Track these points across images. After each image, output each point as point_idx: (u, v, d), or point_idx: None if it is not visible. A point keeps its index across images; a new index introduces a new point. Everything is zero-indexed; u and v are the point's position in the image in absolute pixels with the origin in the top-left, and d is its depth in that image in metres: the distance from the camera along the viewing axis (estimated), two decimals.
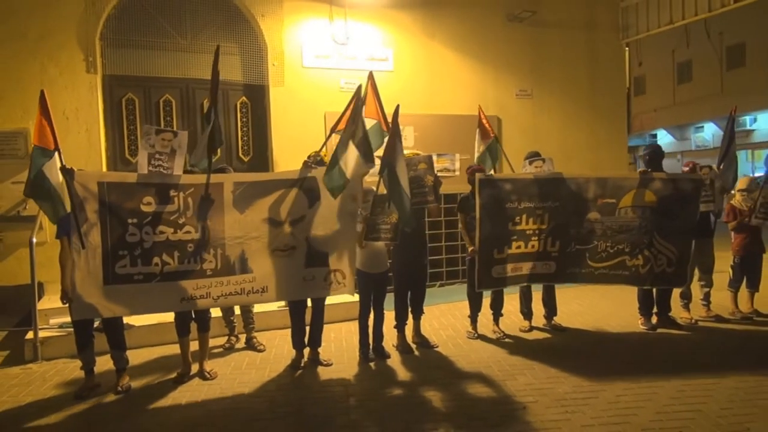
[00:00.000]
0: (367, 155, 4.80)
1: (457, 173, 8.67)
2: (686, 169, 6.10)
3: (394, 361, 5.16)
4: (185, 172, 4.69)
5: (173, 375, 4.84)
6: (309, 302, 5.16)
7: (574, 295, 7.06)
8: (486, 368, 4.88)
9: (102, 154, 6.91)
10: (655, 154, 6.01)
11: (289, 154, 7.61)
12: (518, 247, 5.54)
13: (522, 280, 5.65)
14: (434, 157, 8.53)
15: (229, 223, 4.66)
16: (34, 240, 5.45)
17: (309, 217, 4.85)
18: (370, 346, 5.28)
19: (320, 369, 5.00)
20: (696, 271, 6.18)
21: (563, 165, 9.34)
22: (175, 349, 5.14)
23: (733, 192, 6.37)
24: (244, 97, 7.76)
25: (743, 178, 6.33)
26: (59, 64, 6.73)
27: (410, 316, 5.56)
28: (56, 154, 4.34)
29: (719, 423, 3.72)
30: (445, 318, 6.56)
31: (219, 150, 7.49)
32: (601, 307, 6.73)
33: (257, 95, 7.78)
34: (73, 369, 5.07)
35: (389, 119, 5.13)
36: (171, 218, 4.52)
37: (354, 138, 4.78)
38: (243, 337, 5.76)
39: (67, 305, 4.51)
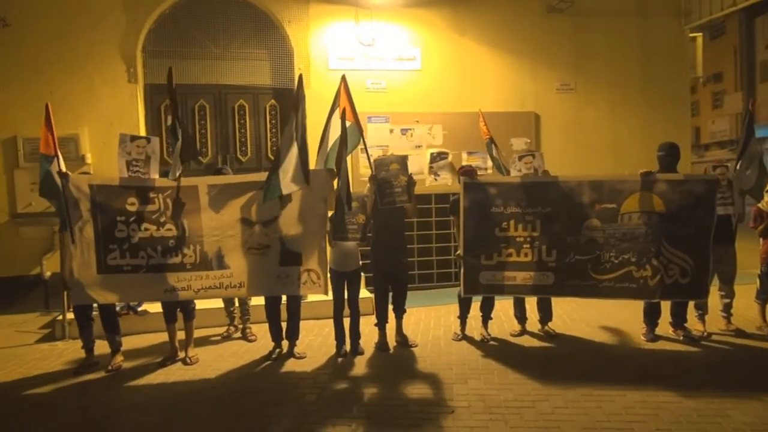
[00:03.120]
0: (298, 176, 4.87)
1: (489, 171, 8.49)
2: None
3: (364, 358, 5.28)
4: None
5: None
6: (284, 298, 5.43)
7: (591, 302, 6.68)
8: (446, 370, 4.86)
9: None
10: (673, 153, 5.57)
11: (314, 153, 7.93)
12: (509, 254, 5.39)
13: (518, 290, 5.49)
14: (464, 156, 8.61)
15: (206, 221, 5.08)
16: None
17: (281, 217, 5.12)
18: (345, 343, 5.45)
19: (291, 361, 5.25)
20: (716, 281, 5.67)
21: (613, 161, 8.96)
22: (180, 335, 5.54)
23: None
24: (273, 100, 8.19)
25: None
26: (104, 76, 7.53)
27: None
28: (55, 159, 4.96)
29: None
30: (445, 318, 6.53)
31: (249, 150, 8.06)
32: (614, 315, 6.32)
33: (285, 98, 8.15)
34: None
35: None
36: (153, 217, 5.03)
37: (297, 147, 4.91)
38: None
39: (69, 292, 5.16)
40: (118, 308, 6.23)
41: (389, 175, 5.43)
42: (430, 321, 6.45)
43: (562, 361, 5.05)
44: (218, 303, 6.16)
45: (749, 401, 4.02)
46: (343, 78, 5.50)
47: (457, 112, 8.48)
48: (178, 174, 5.05)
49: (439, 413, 4.01)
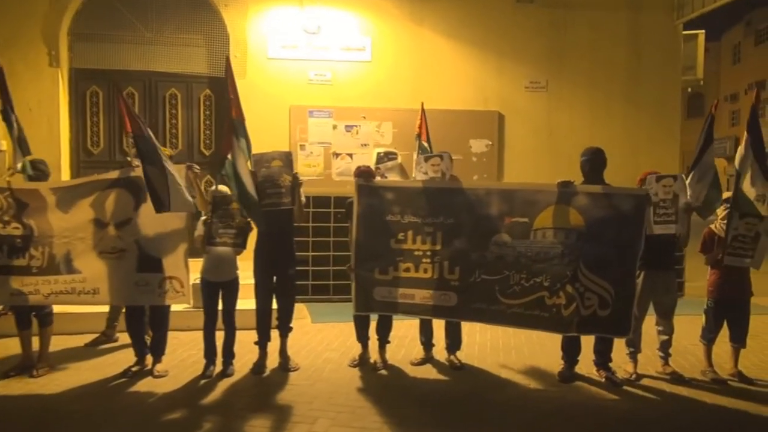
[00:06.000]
0: None
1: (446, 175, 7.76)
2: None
3: (230, 381, 4.64)
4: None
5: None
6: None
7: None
8: (305, 404, 4.17)
9: (61, 144, 7.20)
10: (597, 159, 4.75)
11: None
12: (407, 269, 4.71)
13: (417, 311, 4.78)
14: (415, 156, 7.87)
15: (56, 222, 4.61)
16: None
17: (136, 219, 4.59)
18: (215, 362, 4.83)
19: (147, 380, 4.65)
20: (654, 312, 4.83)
21: None
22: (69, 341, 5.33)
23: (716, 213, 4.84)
24: (208, 90, 7.65)
25: (729, 193, 4.74)
26: (26, 60, 7.11)
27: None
28: None
29: None
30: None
31: (180, 143, 7.52)
32: (545, 345, 5.46)
33: (221, 88, 7.57)
34: None
35: None
36: None
37: None
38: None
39: None
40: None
41: (270, 172, 4.79)
42: (335, 339, 5.76)
43: (441, 403, 4.28)
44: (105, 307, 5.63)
45: None
46: (227, 59, 4.88)
47: (410, 109, 7.64)
48: (19, 166, 4.57)
49: None
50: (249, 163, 4.84)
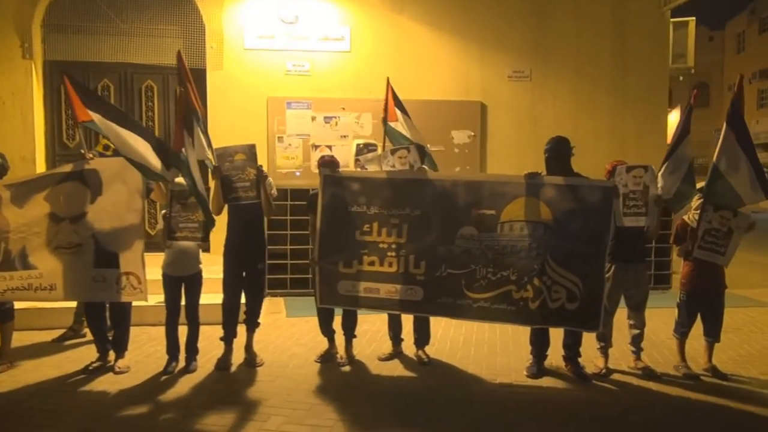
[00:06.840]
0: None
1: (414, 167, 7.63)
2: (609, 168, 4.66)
3: (192, 377, 4.54)
4: None
5: None
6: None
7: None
8: (263, 400, 4.09)
9: (35, 137, 7.12)
10: (560, 149, 4.62)
11: (226, 142, 7.25)
12: (371, 263, 4.60)
13: (381, 305, 4.67)
14: (379, 150, 7.73)
15: (11, 218, 4.53)
16: None
17: (91, 213, 4.48)
18: (178, 358, 4.75)
19: (107, 377, 4.58)
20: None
21: (573, 161, 7.90)
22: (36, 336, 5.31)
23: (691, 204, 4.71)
24: None
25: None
26: None
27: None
28: None
29: None
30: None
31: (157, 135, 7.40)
32: (519, 340, 5.35)
33: (197, 80, 7.38)
34: None
35: None
36: None
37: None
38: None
39: None
40: None
41: (234, 166, 4.70)
42: (306, 334, 5.67)
43: (401, 399, 4.17)
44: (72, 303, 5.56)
45: None
46: (179, 54, 4.75)
47: None
48: None
49: None
50: (212, 157, 4.75)
